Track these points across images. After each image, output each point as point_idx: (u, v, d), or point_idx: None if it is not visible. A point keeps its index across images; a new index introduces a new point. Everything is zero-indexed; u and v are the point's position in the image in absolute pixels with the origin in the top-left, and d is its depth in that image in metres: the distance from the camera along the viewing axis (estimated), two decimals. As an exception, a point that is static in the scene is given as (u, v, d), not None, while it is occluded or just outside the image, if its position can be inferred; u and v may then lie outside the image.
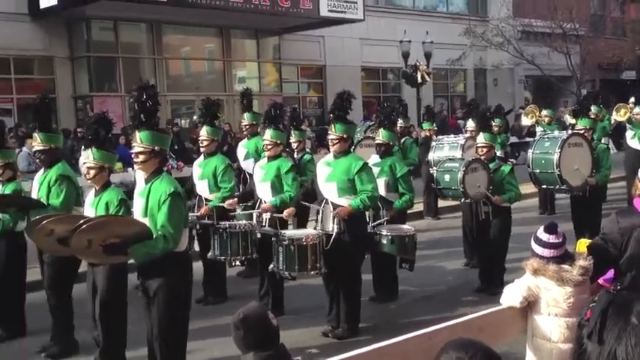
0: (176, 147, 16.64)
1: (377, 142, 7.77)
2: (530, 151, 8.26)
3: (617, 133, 15.55)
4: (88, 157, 5.49)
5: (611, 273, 4.14)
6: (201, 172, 7.71)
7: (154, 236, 4.67)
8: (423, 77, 22.03)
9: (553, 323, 3.93)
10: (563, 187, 8.06)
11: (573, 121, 11.28)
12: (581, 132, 8.46)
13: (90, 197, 5.56)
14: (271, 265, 6.54)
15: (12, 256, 6.54)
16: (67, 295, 6.18)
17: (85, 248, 4.65)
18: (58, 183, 6.07)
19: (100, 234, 4.59)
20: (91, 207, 5.43)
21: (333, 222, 6.33)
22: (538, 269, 3.95)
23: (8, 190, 6.50)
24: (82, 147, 7.02)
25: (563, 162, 7.74)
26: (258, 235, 7.02)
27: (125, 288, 5.54)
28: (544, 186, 8.38)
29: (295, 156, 9.06)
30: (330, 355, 3.21)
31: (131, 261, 5.10)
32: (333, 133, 6.45)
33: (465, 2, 29.17)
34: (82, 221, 4.69)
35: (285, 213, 6.99)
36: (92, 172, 5.42)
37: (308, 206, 7.40)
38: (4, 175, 6.60)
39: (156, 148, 4.89)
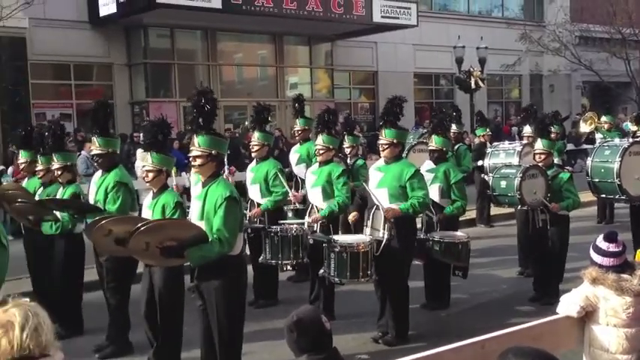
0: (228, 152, 16.83)
1: (430, 148, 7.70)
2: (589, 160, 8.07)
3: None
4: (146, 160, 5.61)
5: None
6: (253, 176, 7.79)
7: (210, 240, 4.73)
8: (476, 83, 21.78)
9: (612, 334, 3.82)
10: (622, 197, 7.85)
11: (634, 128, 10.97)
12: (640, 140, 8.22)
13: (147, 199, 5.67)
14: (322, 271, 6.53)
15: (70, 256, 6.71)
16: (126, 296, 6.31)
17: (143, 250, 4.75)
18: (115, 190, 6.20)
19: (158, 236, 4.68)
20: (148, 209, 5.54)
21: (384, 228, 6.30)
22: (597, 278, 3.86)
23: (68, 192, 6.68)
24: (137, 150, 7.17)
25: (623, 171, 7.54)
26: (310, 241, 7.03)
27: (182, 289, 5.61)
28: (603, 195, 8.17)
29: (348, 161, 9.06)
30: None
31: (185, 263, 5.18)
32: (383, 138, 6.42)
33: (521, 7, 28.71)
34: (140, 224, 4.78)
35: (351, 217, 6.96)
36: (150, 175, 5.53)
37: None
38: (64, 178, 6.79)
39: (213, 152, 4.95)
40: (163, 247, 4.68)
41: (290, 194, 7.54)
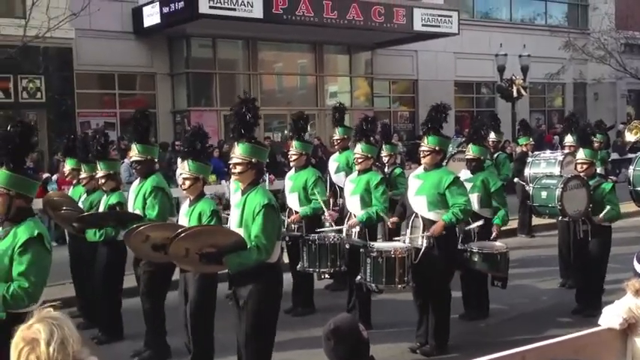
0: (267, 160, 16.92)
1: (467, 157, 7.63)
2: (631, 168, 7.88)
3: None
4: (184, 169, 5.69)
5: None
6: (292, 185, 7.82)
7: (248, 247, 4.77)
8: (518, 91, 21.49)
9: (655, 347, 3.73)
10: None
11: (681, 136, 10.70)
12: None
13: (184, 207, 5.75)
14: (358, 277, 6.52)
15: (112, 263, 6.83)
16: (161, 302, 6.37)
17: (183, 256, 4.82)
18: (153, 195, 6.29)
19: (197, 243, 4.74)
20: (185, 216, 5.62)
21: (422, 236, 6.25)
22: (640, 290, 3.77)
23: (113, 199, 6.81)
24: (179, 159, 7.28)
25: None
26: (347, 247, 7.02)
27: (214, 297, 5.67)
28: (644, 204, 7.96)
29: (386, 170, 9.03)
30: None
31: (222, 271, 5.23)
32: (426, 145, 6.39)
33: (565, 15, 28.29)
34: (180, 230, 4.85)
35: (391, 221, 6.95)
36: (187, 182, 5.61)
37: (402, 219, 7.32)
38: (107, 185, 6.92)
39: (253, 160, 4.99)
40: (202, 253, 4.73)
41: (326, 213, 7.53)
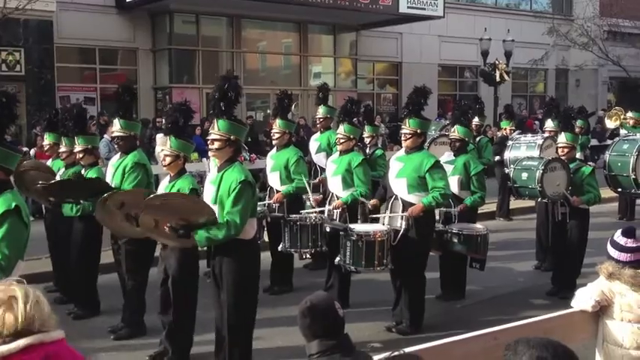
0: (249, 139, 16.89)
1: (452, 137, 7.66)
2: (607, 153, 7.97)
3: None
4: (165, 145, 5.65)
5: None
6: (273, 164, 7.80)
7: (219, 223, 4.77)
8: (501, 76, 21.57)
9: (626, 329, 3.80)
10: (638, 192, 7.76)
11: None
12: (663, 136, 8.11)
13: (164, 183, 5.73)
14: (337, 259, 6.55)
15: (89, 238, 6.79)
16: (144, 279, 6.37)
17: (153, 228, 4.81)
18: (133, 169, 6.25)
19: (166, 213, 4.74)
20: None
21: (402, 218, 6.29)
22: (613, 273, 3.84)
23: (91, 174, 6.74)
24: (157, 135, 7.23)
25: (639, 166, 7.44)
26: (327, 229, 7.04)
27: (196, 273, 5.67)
28: (619, 189, 8.06)
29: (367, 151, 9.05)
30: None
31: (203, 247, 5.24)
32: (407, 127, 6.40)
33: (549, 1, 28.34)
34: (152, 196, 4.84)
35: (371, 203, 6.98)
36: (168, 159, 5.58)
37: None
38: (85, 160, 6.86)
39: (232, 137, 4.98)
40: (171, 226, 4.75)
41: (311, 198, 7.55)
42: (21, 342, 2.18)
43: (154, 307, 5.81)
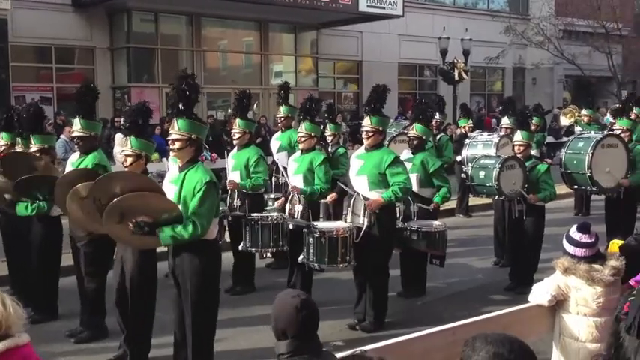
0: (210, 139, 16.76)
1: (410, 135, 7.74)
2: (563, 151, 8.14)
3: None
4: (126, 145, 5.58)
5: (643, 274, 4.08)
6: (234, 163, 7.77)
7: (184, 222, 4.74)
8: (460, 75, 21.85)
9: (582, 323, 3.90)
10: (594, 189, 7.94)
11: (614, 120, 11.09)
12: (618, 133, 8.31)
13: None
14: (301, 257, 6.57)
15: (49, 240, 6.64)
16: (102, 281, 6.27)
17: (116, 223, 4.74)
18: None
19: (133, 208, 4.67)
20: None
21: (364, 215, 6.34)
22: (568, 268, 3.93)
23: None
24: (117, 135, 7.13)
25: (594, 163, 7.61)
26: (290, 227, 7.05)
27: (154, 274, 5.61)
28: (576, 186, 8.24)
29: (330, 149, 9.07)
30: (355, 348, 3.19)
31: (162, 249, 5.18)
32: (368, 125, 6.45)
33: (506, 0, 28.79)
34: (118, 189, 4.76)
35: (329, 198, 7.00)
36: (129, 159, 5.51)
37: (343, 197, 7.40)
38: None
39: (192, 136, 4.95)
40: (136, 222, 4.68)
41: (290, 187, 7.55)
42: (3, 344, 2.20)
43: (115, 309, 5.74)
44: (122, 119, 8.41)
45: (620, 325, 1.52)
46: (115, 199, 4.69)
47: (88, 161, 6.20)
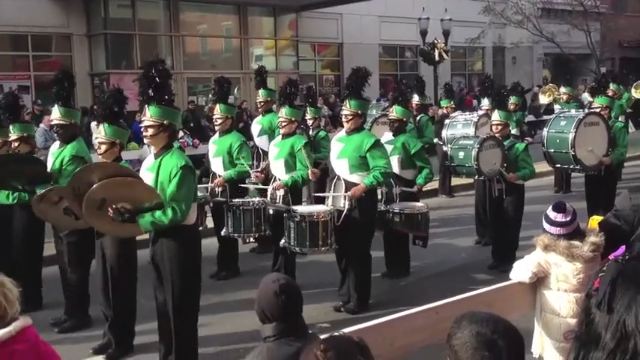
0: (192, 124, 16.70)
1: (390, 117, 7.74)
2: (545, 130, 8.18)
3: (636, 111, 15.32)
4: (100, 132, 5.53)
5: (622, 249, 4.13)
6: (216, 149, 7.74)
7: (163, 208, 4.72)
8: (440, 55, 21.87)
9: (562, 299, 3.94)
10: (577, 167, 8.00)
11: (592, 99, 11.17)
12: (598, 110, 8.36)
13: None
14: (282, 241, 6.57)
15: (31, 228, 6.58)
16: (86, 270, 6.25)
17: (96, 209, 4.69)
18: (70, 162, 6.10)
19: (114, 195, 4.64)
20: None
21: (345, 198, 6.35)
22: (549, 245, 3.96)
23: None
24: (92, 124, 7.07)
25: (578, 142, 7.66)
26: (271, 212, 7.05)
27: (134, 261, 5.61)
28: (558, 165, 8.30)
29: (310, 133, 9.06)
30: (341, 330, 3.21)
31: (144, 237, 5.16)
32: (348, 109, 6.44)
33: (484, -21, 28.78)
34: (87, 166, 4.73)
35: (312, 176, 7.02)
36: (103, 147, 5.46)
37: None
38: (21, 149, 6.63)
39: (165, 122, 4.90)
40: (117, 208, 4.65)
41: (252, 175, 7.53)
42: (17, 324, 2.26)
43: (98, 298, 5.72)
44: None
45: (591, 302, 1.54)
46: (95, 185, 4.65)
47: (67, 151, 6.15)
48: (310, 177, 7.03)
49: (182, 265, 4.84)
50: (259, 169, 7.82)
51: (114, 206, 4.66)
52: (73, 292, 6.26)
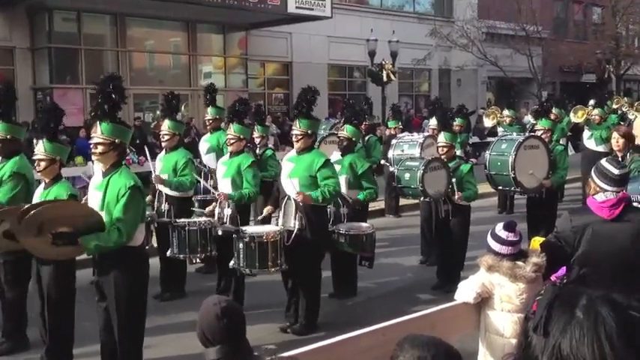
0: (138, 141, 16.41)
1: (340, 135, 7.78)
2: (487, 153, 8.34)
3: (575, 134, 15.83)
4: (39, 149, 5.38)
5: (563, 270, 4.22)
6: (162, 166, 7.63)
7: (107, 229, 4.60)
8: (388, 76, 22.16)
9: (506, 319, 3.99)
10: (517, 190, 8.16)
11: (535, 121, 11.47)
12: (539, 134, 8.59)
13: (39, 190, 5.45)
14: (232, 262, 6.50)
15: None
16: (23, 291, 6.03)
17: (34, 236, 4.52)
18: (10, 179, 5.91)
19: (51, 220, 4.48)
20: (39, 200, 5.30)
21: (295, 218, 6.33)
22: (492, 265, 4.01)
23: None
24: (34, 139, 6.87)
25: (518, 164, 7.81)
26: (219, 233, 6.95)
27: (72, 284, 5.44)
28: (500, 187, 8.46)
29: (257, 151, 9.03)
30: (288, 351, 3.19)
31: (83, 256, 5.02)
32: (298, 128, 6.44)
33: (431, 3, 29.42)
34: (29, 206, 4.57)
35: (265, 211, 7.00)
36: (42, 164, 5.32)
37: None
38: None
39: (116, 140, 4.81)
40: (56, 232, 4.48)
41: (216, 193, 7.44)
42: None
43: (37, 320, 5.54)
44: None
45: (529, 325, 1.56)
46: (31, 212, 4.49)
47: (7, 168, 5.97)
48: (265, 213, 7.01)
49: (129, 286, 4.72)
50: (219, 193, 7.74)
51: (53, 231, 4.49)
52: (9, 312, 6.04)
